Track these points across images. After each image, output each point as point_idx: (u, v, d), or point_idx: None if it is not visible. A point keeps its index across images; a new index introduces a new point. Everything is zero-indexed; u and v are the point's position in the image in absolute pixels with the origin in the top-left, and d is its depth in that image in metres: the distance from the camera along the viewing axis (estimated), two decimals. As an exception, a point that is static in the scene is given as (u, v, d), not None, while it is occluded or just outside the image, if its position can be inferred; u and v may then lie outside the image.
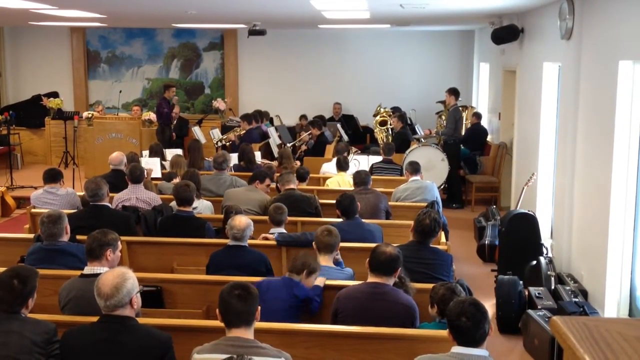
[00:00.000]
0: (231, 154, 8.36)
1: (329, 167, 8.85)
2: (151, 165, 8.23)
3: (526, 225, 6.81)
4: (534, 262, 6.41)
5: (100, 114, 12.99)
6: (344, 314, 4.00)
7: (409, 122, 12.33)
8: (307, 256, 4.48)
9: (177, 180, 7.19)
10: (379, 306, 3.96)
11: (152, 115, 12.09)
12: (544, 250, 6.79)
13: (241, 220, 4.90)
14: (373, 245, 4.44)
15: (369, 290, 4.03)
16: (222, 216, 6.04)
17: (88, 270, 4.06)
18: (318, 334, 3.87)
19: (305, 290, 4.29)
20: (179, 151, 9.41)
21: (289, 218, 5.79)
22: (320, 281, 4.44)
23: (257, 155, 9.26)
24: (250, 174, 7.20)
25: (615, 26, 5.57)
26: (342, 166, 8.02)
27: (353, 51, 14.84)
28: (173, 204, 6.14)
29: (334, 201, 5.92)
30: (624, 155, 5.43)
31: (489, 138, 11.62)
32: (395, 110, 12.34)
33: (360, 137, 13.62)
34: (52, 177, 6.61)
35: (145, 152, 9.26)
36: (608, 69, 5.60)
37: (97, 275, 3.77)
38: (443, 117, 11.67)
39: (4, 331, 3.34)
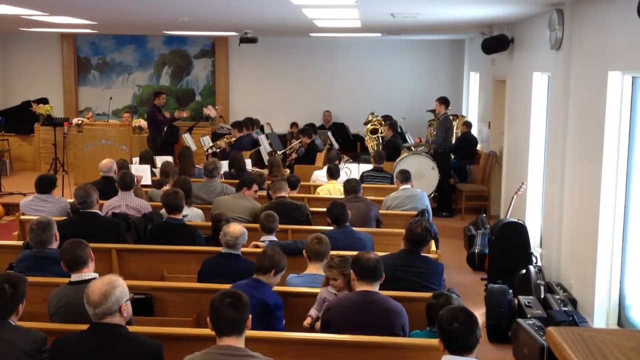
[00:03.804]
0: (222, 162, 8.35)
1: (319, 174, 8.86)
2: (141, 172, 8.20)
3: (516, 234, 6.83)
4: (524, 271, 6.44)
5: (90, 120, 12.93)
6: (336, 323, 3.99)
7: (399, 130, 12.36)
8: (275, 253, 4.35)
9: (167, 187, 7.17)
10: (371, 314, 3.97)
11: (143, 122, 12.05)
12: (534, 259, 6.82)
13: (235, 228, 4.89)
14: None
15: (359, 299, 4.03)
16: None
17: (76, 277, 4.03)
18: (309, 343, 3.87)
19: (274, 297, 4.24)
20: (169, 158, 9.37)
21: (280, 226, 5.78)
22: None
23: (248, 162, 9.24)
24: (239, 181, 7.18)
25: (604, 37, 5.62)
26: (334, 174, 8.03)
27: (344, 59, 14.89)
28: (163, 211, 6.11)
29: (324, 209, 5.92)
30: (612, 164, 5.47)
31: (478, 147, 11.67)
32: (386, 118, 12.37)
33: (350, 145, 13.63)
34: (44, 187, 6.50)
35: (136, 159, 9.23)
36: (597, 79, 5.64)
37: (86, 281, 3.77)
38: (434, 126, 11.71)
39: (-6, 339, 3.32)
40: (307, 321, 4.35)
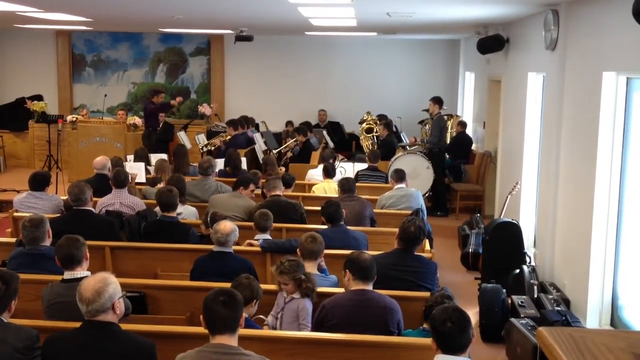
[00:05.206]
0: (216, 160, 8.34)
1: (314, 173, 8.86)
2: (136, 169, 8.17)
3: (510, 233, 6.85)
4: (517, 271, 6.45)
5: (85, 117, 12.89)
6: (332, 322, 3.99)
7: (394, 129, 12.37)
8: (251, 281, 3.99)
9: (161, 185, 7.15)
10: (367, 312, 3.98)
11: (137, 120, 12.02)
12: (527, 259, 6.83)
13: (226, 225, 4.88)
14: (358, 252, 4.44)
15: (356, 297, 4.05)
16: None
17: (68, 275, 4.02)
18: (302, 342, 3.87)
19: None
20: (164, 156, 9.35)
21: (274, 224, 5.78)
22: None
23: (243, 161, 9.23)
24: (236, 179, 7.18)
25: (599, 37, 5.63)
26: (329, 173, 8.03)
27: (339, 58, 14.89)
28: (157, 209, 6.10)
29: (319, 208, 5.92)
30: (607, 165, 5.48)
31: (473, 147, 11.68)
32: (382, 117, 12.37)
33: (345, 144, 13.64)
34: (38, 184, 6.47)
35: (130, 157, 9.21)
36: (592, 79, 5.65)
37: (78, 279, 3.75)
38: (427, 126, 11.72)
39: (-14, 337, 3.30)
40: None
